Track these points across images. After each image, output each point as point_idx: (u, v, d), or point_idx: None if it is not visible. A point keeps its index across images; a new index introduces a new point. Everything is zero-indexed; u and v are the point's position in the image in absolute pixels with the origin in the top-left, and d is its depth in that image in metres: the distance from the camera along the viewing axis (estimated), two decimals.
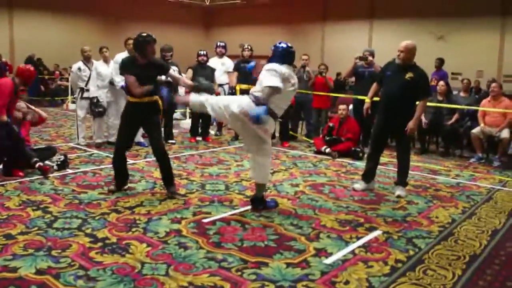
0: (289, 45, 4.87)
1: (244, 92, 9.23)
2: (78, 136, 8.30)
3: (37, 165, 6.06)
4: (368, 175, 5.95)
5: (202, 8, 21.95)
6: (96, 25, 19.23)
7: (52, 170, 6.23)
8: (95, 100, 8.00)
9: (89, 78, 8.08)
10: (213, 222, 4.49)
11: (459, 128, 8.52)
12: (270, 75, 4.61)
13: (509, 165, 7.70)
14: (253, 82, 9.39)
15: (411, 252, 3.96)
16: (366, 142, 8.75)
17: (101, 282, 3.23)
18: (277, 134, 9.27)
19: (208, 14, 22.63)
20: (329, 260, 3.72)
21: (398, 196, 5.64)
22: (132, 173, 6.28)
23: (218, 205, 5.06)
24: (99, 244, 3.88)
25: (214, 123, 9.94)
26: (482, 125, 8.03)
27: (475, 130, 8.05)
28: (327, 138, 8.19)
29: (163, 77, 6.43)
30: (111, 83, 8.14)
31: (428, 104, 8.44)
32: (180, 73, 8.61)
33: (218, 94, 9.07)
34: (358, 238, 4.23)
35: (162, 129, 8.64)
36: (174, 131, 9.19)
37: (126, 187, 5.56)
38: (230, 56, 9.91)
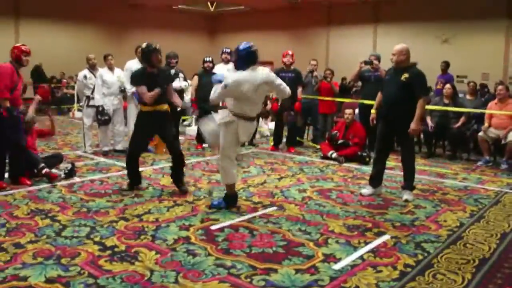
0: (250, 45, 4.97)
1: None
2: (85, 144, 8.34)
3: (44, 171, 6.11)
4: (375, 180, 5.95)
5: (207, 15, 22.02)
6: (102, 33, 19.34)
7: (60, 178, 6.26)
8: (100, 108, 8.03)
9: (95, 85, 8.12)
10: (221, 229, 4.50)
11: (466, 131, 8.49)
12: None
13: None
14: None
15: (420, 257, 3.95)
16: (372, 146, 8.75)
17: None
18: (283, 140, 9.29)
19: (212, 20, 22.70)
20: (338, 266, 3.71)
21: (406, 201, 5.63)
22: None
23: (225, 211, 5.06)
24: (108, 252, 3.89)
25: None
26: (486, 125, 8.00)
27: (482, 133, 8.02)
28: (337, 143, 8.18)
29: None
30: (122, 90, 8.19)
31: (435, 107, 8.50)
32: (185, 80, 8.67)
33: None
34: (366, 243, 4.22)
35: None
36: (180, 138, 9.20)
37: (138, 188, 5.90)
38: None
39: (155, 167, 7.33)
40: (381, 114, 5.87)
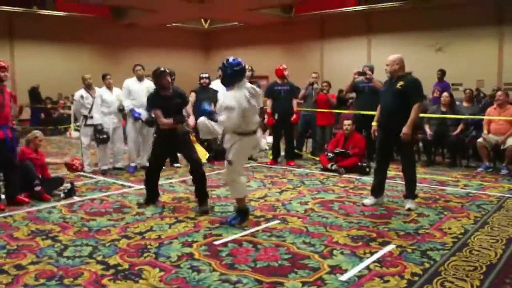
0: (240, 61, 5.05)
1: None
2: (84, 163, 8.28)
3: (37, 187, 6.14)
4: (377, 190, 5.92)
5: (201, 32, 22.12)
6: (97, 53, 19.37)
7: (59, 198, 6.22)
8: (99, 127, 8.02)
9: (92, 105, 8.11)
10: (225, 244, 4.45)
11: (465, 138, 8.50)
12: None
13: None
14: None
15: (427, 265, 3.91)
16: (371, 156, 8.74)
17: None
18: (282, 153, 9.26)
19: (206, 37, 22.79)
20: (344, 277, 3.67)
21: (409, 209, 5.60)
22: (140, 198, 6.26)
23: (228, 226, 5.02)
24: (112, 271, 3.84)
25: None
26: (485, 132, 8.02)
27: (480, 139, 8.03)
28: (335, 151, 8.14)
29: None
30: (120, 109, 8.20)
31: (433, 115, 8.50)
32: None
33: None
34: (372, 253, 4.18)
35: None
36: (179, 154, 9.16)
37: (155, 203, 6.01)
38: None
39: None
40: (380, 124, 5.87)
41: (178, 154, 9.19)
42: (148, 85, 8.48)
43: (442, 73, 12.11)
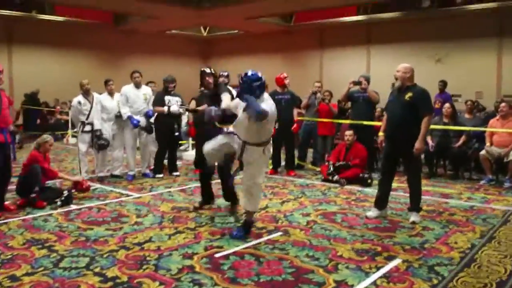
0: (256, 76, 4.86)
1: None
2: (81, 171, 8.15)
3: (33, 195, 6.08)
4: (381, 202, 5.81)
5: (201, 39, 22.05)
6: (95, 58, 19.26)
7: (56, 206, 6.10)
8: (98, 133, 7.91)
9: (89, 111, 7.99)
10: (226, 257, 4.33)
11: (467, 150, 8.41)
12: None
13: None
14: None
15: (435, 281, 3.80)
16: (372, 167, 8.65)
17: None
18: (282, 163, 9.15)
19: (206, 44, 22.73)
20: None
21: (413, 222, 5.49)
22: (138, 207, 6.15)
23: (229, 238, 4.89)
24: (110, 283, 3.71)
25: None
26: (488, 144, 7.94)
27: (483, 152, 7.95)
28: (336, 164, 8.04)
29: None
30: (117, 115, 8.12)
31: (435, 126, 8.42)
32: (183, 104, 8.57)
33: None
34: (378, 268, 4.07)
35: (166, 161, 8.59)
36: (177, 163, 9.05)
37: (209, 206, 6.17)
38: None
39: (154, 192, 7.15)
40: (386, 135, 5.77)
41: (178, 162, 9.09)
42: (146, 91, 8.39)
43: (443, 84, 12.06)
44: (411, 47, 16.54)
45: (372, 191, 7.01)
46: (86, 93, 8.07)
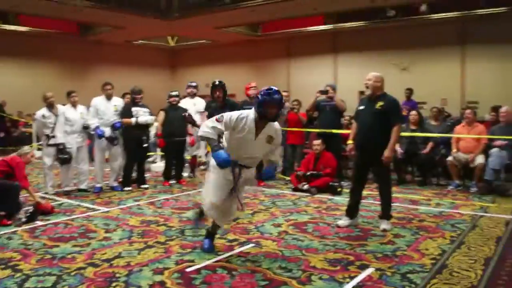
0: (268, 92, 4.44)
1: None
2: (47, 185, 7.93)
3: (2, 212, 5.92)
4: (352, 210, 5.82)
5: (168, 49, 21.93)
6: (61, 69, 18.87)
7: (21, 223, 5.89)
8: (61, 147, 7.71)
9: (55, 124, 7.78)
10: (198, 271, 4.24)
11: (435, 157, 8.54)
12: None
13: (486, 190, 7.71)
14: None
15: None
16: (341, 176, 8.68)
17: None
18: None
19: (173, 55, 22.61)
20: None
21: (384, 230, 5.52)
22: (107, 221, 6.00)
23: (200, 251, 4.80)
24: None
25: (187, 165, 9.69)
26: (454, 150, 8.08)
27: (451, 158, 8.08)
28: (307, 174, 8.04)
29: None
30: (85, 127, 7.96)
31: (402, 134, 8.51)
32: (151, 115, 8.47)
33: (191, 134, 8.91)
34: (351, 278, 4.05)
35: (135, 173, 8.46)
36: (146, 175, 8.91)
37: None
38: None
39: (122, 206, 7.00)
40: (357, 144, 5.80)
41: (146, 175, 8.96)
42: (117, 103, 8.26)
43: (410, 92, 12.27)
44: (377, 55, 16.78)
45: (342, 199, 7.04)
46: (51, 106, 7.86)
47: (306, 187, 7.88)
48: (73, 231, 5.63)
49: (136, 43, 20.01)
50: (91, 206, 7.04)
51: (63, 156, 7.71)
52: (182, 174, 9.13)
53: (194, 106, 9.25)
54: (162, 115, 8.70)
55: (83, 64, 19.34)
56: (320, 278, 4.05)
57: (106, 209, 6.73)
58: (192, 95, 9.50)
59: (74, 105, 8.05)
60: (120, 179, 8.44)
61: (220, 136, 4.46)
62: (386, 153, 5.44)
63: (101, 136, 7.93)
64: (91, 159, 8.88)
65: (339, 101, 8.52)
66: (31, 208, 6.17)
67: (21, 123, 16.36)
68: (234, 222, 5.90)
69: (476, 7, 13.85)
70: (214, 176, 4.53)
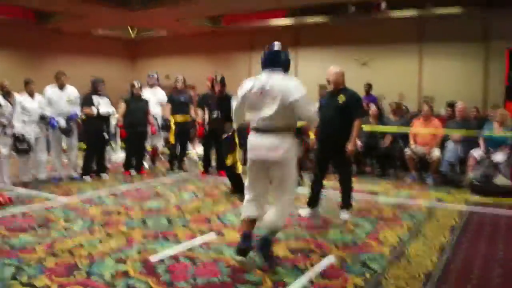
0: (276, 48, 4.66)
1: (179, 124, 9.04)
2: (3, 176, 7.71)
3: None
4: (313, 201, 5.92)
5: (127, 40, 21.57)
6: (16, 58, 18.27)
7: None
8: (21, 137, 7.50)
9: (12, 113, 7.57)
10: (161, 260, 4.23)
11: (393, 150, 8.75)
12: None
13: (441, 182, 7.97)
14: (187, 112, 9.29)
15: (368, 275, 3.92)
16: (302, 167, 8.76)
17: None
18: (213, 164, 9.10)
19: (133, 45, 22.26)
20: None
21: (344, 220, 5.64)
22: (66, 211, 5.90)
23: (163, 241, 4.80)
24: None
25: (147, 155, 9.60)
26: (412, 143, 8.31)
27: (409, 151, 8.30)
28: None
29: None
30: (42, 117, 7.76)
31: (363, 126, 8.68)
32: (112, 105, 8.36)
33: (152, 125, 8.85)
34: (313, 265, 4.14)
35: (95, 163, 8.33)
36: (106, 165, 8.78)
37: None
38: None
39: (82, 196, 6.88)
40: (319, 138, 5.90)
41: (108, 165, 8.85)
42: (70, 93, 8.08)
43: (369, 86, 12.51)
44: (338, 50, 17.00)
45: (303, 190, 7.13)
46: (7, 95, 7.64)
47: None
48: (32, 221, 5.51)
49: (96, 33, 19.60)
50: (50, 196, 6.89)
51: (22, 146, 7.51)
52: (143, 164, 9.05)
53: (154, 96, 9.17)
54: (123, 106, 8.59)
55: (41, 53, 18.79)
56: (283, 267, 4.11)
57: (66, 199, 6.62)
58: (152, 85, 9.43)
59: (31, 94, 7.84)
60: (79, 169, 8.31)
61: None
62: (349, 146, 5.56)
63: (54, 127, 7.77)
64: (49, 149, 8.68)
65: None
66: None
67: None
68: (196, 212, 5.90)
69: (434, 6, 14.23)
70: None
